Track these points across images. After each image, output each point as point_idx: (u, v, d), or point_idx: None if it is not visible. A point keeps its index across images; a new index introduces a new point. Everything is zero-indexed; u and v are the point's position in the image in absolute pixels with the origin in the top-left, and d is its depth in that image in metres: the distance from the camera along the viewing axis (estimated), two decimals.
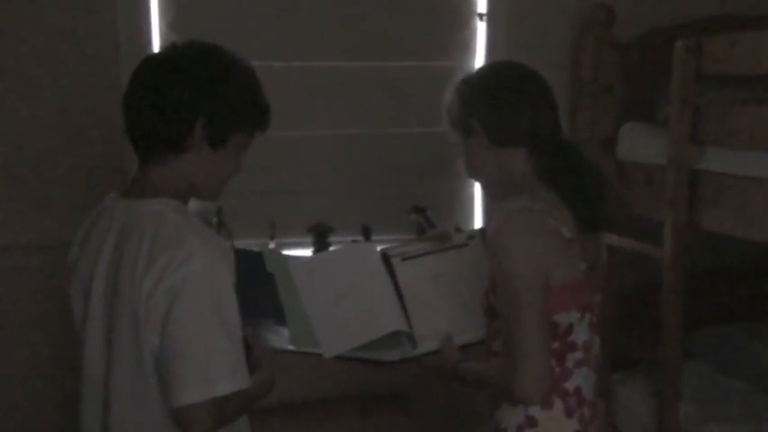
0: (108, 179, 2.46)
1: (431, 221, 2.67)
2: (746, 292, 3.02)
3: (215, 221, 2.52)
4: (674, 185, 2.31)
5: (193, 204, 1.57)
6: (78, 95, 2.54)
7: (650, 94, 2.70)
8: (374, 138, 2.88)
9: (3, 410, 2.63)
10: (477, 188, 2.90)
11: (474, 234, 2.02)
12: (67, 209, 2.51)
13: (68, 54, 2.52)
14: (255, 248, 2.04)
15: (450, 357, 1.78)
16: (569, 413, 1.62)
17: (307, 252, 2.66)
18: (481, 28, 2.89)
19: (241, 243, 2.35)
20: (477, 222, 2.96)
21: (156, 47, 2.61)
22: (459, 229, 2.07)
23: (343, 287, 1.93)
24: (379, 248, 2.06)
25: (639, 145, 2.59)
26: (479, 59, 2.89)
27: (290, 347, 1.77)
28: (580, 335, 1.62)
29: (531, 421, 1.61)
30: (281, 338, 1.77)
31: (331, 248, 2.66)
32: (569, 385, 1.62)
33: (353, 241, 2.63)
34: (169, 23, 2.63)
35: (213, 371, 1.36)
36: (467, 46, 2.90)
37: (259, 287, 1.84)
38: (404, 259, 1.99)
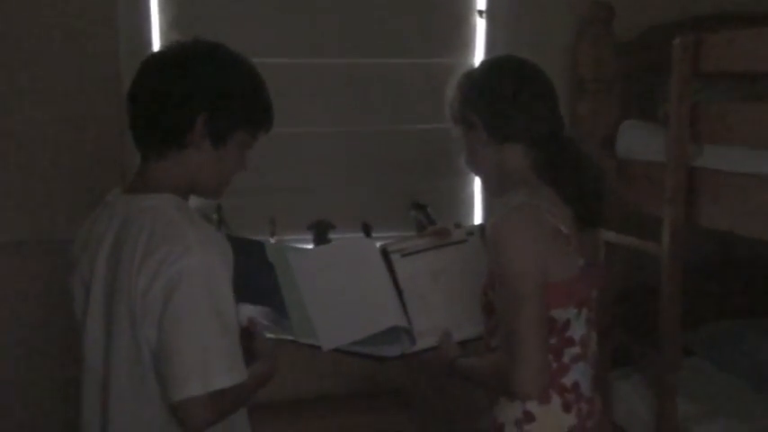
0: (108, 176, 2.47)
1: (431, 218, 2.68)
2: (746, 289, 3.02)
3: (215, 218, 2.53)
4: (673, 183, 2.31)
5: (193, 201, 1.57)
6: (78, 93, 2.55)
7: (649, 92, 2.71)
8: (374, 134, 2.89)
9: (3, 408, 2.64)
10: (478, 185, 2.91)
11: (473, 230, 2.03)
12: (68, 206, 2.51)
13: (68, 52, 2.52)
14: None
15: (449, 353, 1.79)
16: (567, 408, 1.63)
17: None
18: (481, 25, 2.90)
19: None
20: (478, 219, 2.97)
21: (156, 45, 2.61)
22: (458, 226, 2.08)
23: (342, 281, 1.94)
24: (378, 244, 2.07)
25: (638, 142, 2.59)
26: (479, 56, 2.90)
27: (290, 338, 1.78)
28: (577, 330, 1.63)
29: (529, 416, 1.63)
30: (281, 328, 1.78)
31: (331, 242, 2.66)
32: (567, 380, 1.63)
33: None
34: (169, 21, 2.63)
35: (210, 365, 1.37)
36: (467, 43, 2.90)
37: (260, 276, 1.85)
38: (403, 255, 2.00)
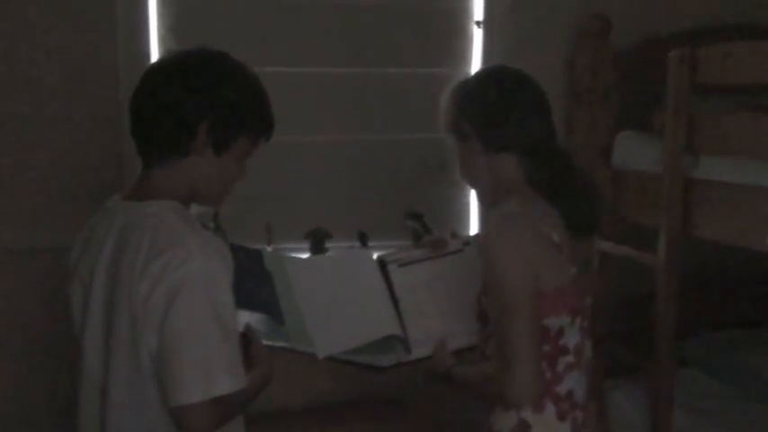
0: (108, 183, 2.48)
1: (427, 227, 2.69)
2: (741, 300, 3.03)
3: (212, 226, 2.53)
4: (669, 193, 2.32)
5: (191, 209, 1.58)
6: (78, 100, 2.55)
7: (645, 103, 2.72)
8: (372, 143, 2.90)
9: (1, 413, 2.63)
10: (474, 194, 2.91)
11: (469, 240, 2.04)
12: (66, 213, 2.51)
13: (68, 58, 2.53)
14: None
15: (444, 362, 1.80)
16: (561, 417, 1.64)
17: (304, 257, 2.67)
18: (478, 36, 2.91)
19: None
20: (473, 228, 2.97)
21: (154, 51, 2.62)
22: (454, 235, 2.09)
23: (338, 290, 1.95)
24: (375, 255, 2.08)
25: (635, 153, 2.60)
26: (476, 67, 2.91)
27: (286, 345, 1.78)
28: (571, 339, 1.64)
29: (524, 425, 1.63)
30: (277, 335, 1.78)
31: (327, 254, 2.67)
32: (561, 389, 1.63)
33: (350, 247, 2.65)
34: (168, 28, 2.64)
35: (211, 371, 1.37)
36: (464, 53, 2.92)
37: (258, 283, 1.85)
38: (400, 266, 2.01)
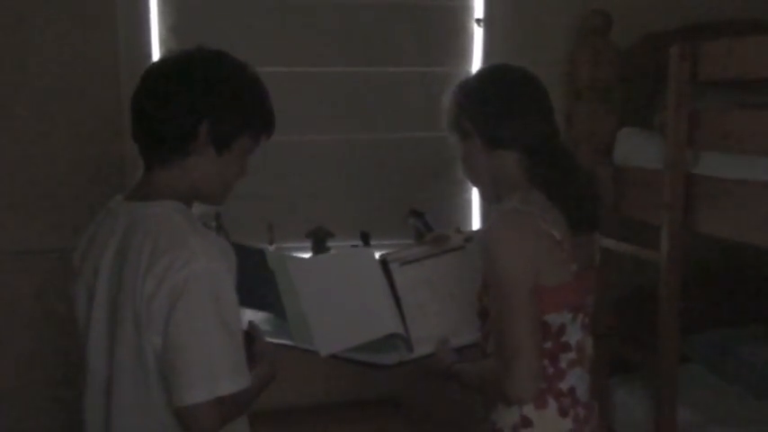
0: (109, 184, 2.48)
1: (429, 225, 2.69)
2: (743, 296, 3.03)
3: (214, 225, 2.53)
4: (671, 189, 2.32)
5: (193, 209, 1.58)
6: (79, 100, 2.56)
7: (647, 100, 2.72)
8: (373, 142, 2.90)
9: (5, 413, 2.63)
10: (475, 192, 2.91)
11: (471, 236, 2.04)
12: (69, 214, 2.52)
13: (69, 58, 2.53)
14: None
15: (445, 359, 1.80)
16: (563, 413, 1.64)
17: (306, 256, 2.67)
18: (479, 34, 2.91)
19: None
20: (475, 226, 2.97)
21: (155, 52, 2.62)
22: (459, 231, 2.09)
23: (340, 289, 1.95)
24: (377, 254, 2.08)
25: (636, 149, 2.60)
26: (477, 65, 2.91)
27: (290, 342, 1.79)
28: (573, 335, 1.64)
29: (527, 421, 1.63)
30: (281, 332, 1.79)
31: (329, 253, 2.67)
32: (563, 385, 1.64)
33: (352, 246, 2.65)
34: (169, 28, 2.64)
35: (216, 371, 1.37)
36: (464, 52, 2.91)
37: (261, 282, 1.86)
38: (401, 264, 2.02)
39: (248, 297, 1.65)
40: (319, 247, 2.70)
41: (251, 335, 1.64)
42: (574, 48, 2.82)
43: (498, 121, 1.65)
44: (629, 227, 2.61)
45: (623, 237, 2.60)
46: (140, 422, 1.46)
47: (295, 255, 2.26)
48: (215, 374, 1.37)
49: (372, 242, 2.72)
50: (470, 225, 2.97)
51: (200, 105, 1.46)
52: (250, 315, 1.74)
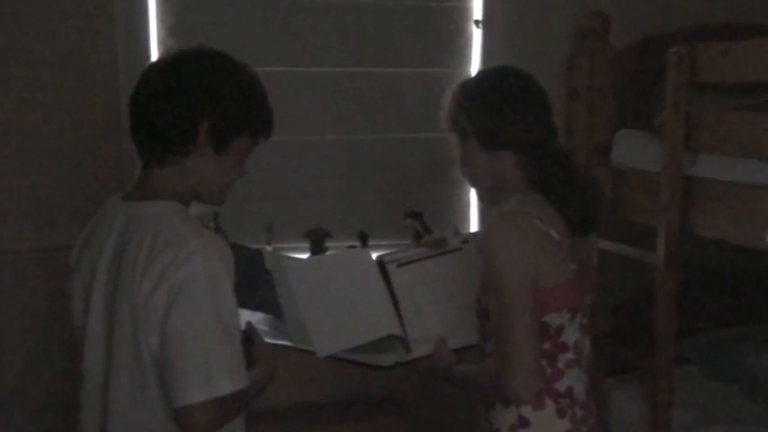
0: (108, 184, 2.48)
1: (427, 226, 2.69)
2: (740, 298, 3.03)
3: (212, 226, 2.53)
4: (668, 192, 2.33)
5: (191, 209, 1.58)
6: (77, 100, 2.55)
7: (644, 102, 2.73)
8: (371, 143, 2.90)
9: (2, 414, 2.64)
10: (473, 193, 2.91)
11: (468, 238, 2.04)
12: (68, 213, 2.52)
13: (68, 59, 2.53)
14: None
15: (444, 360, 1.81)
16: (561, 413, 1.64)
17: (304, 256, 2.67)
18: (477, 35, 2.92)
19: None
20: (474, 227, 2.97)
21: (154, 52, 2.62)
22: (457, 232, 2.10)
23: (338, 290, 1.96)
24: (374, 255, 2.08)
25: (634, 151, 2.60)
26: (476, 66, 2.91)
27: (288, 343, 1.79)
28: (571, 336, 1.65)
29: (524, 421, 1.64)
30: (279, 333, 1.79)
31: (327, 253, 2.67)
32: (561, 386, 1.64)
33: (350, 247, 2.65)
34: (168, 29, 2.64)
35: (213, 371, 1.37)
36: (463, 53, 2.92)
37: (259, 282, 1.86)
38: (399, 265, 2.02)
39: (246, 297, 1.66)
40: (317, 248, 2.71)
41: (249, 335, 1.65)
42: (572, 49, 2.82)
43: (497, 122, 1.66)
44: (627, 228, 2.62)
45: (620, 238, 2.61)
46: (137, 422, 1.46)
47: (293, 255, 2.26)
48: (212, 375, 1.37)
49: (370, 243, 2.72)
50: (468, 226, 2.97)
51: (200, 106, 1.46)
52: (248, 315, 1.75)
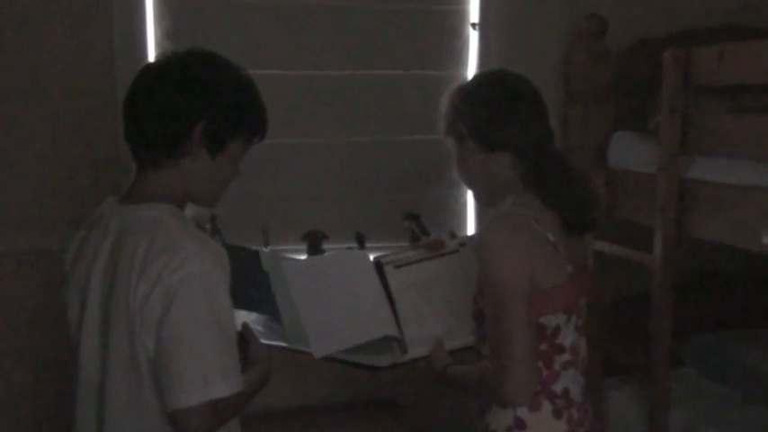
0: (104, 187, 2.48)
1: (424, 228, 2.69)
2: (736, 299, 3.04)
3: (209, 228, 2.53)
4: (664, 193, 2.33)
5: (187, 211, 1.58)
6: (75, 103, 2.56)
7: (641, 104, 2.73)
8: (368, 145, 2.90)
9: (6, 414, 2.64)
10: (471, 196, 2.92)
11: (466, 240, 2.05)
12: (63, 216, 2.51)
13: (65, 61, 2.54)
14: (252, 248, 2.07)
15: (440, 361, 1.81)
16: (557, 415, 1.65)
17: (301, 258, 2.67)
18: (474, 37, 2.92)
19: None
20: (471, 229, 2.98)
21: (151, 55, 2.62)
22: (453, 235, 2.10)
23: (335, 291, 1.96)
24: (372, 257, 2.09)
25: (630, 153, 2.61)
26: (472, 69, 2.92)
27: (284, 344, 1.80)
28: (567, 337, 1.65)
29: (520, 423, 1.64)
30: (275, 334, 1.79)
31: (324, 254, 2.67)
32: (557, 387, 1.65)
33: (348, 248, 2.65)
34: (165, 32, 2.64)
35: (208, 374, 1.37)
36: (460, 55, 2.92)
37: (255, 283, 1.86)
38: (396, 267, 2.03)
39: (243, 298, 1.66)
40: (314, 250, 2.71)
41: (245, 336, 1.65)
42: (568, 52, 2.83)
43: (493, 124, 1.67)
44: (623, 230, 2.62)
45: (616, 239, 2.61)
46: (133, 424, 1.46)
47: (290, 256, 2.26)
48: (208, 378, 1.37)
49: (367, 244, 2.72)
50: (465, 228, 2.98)
51: (194, 108, 1.46)
52: (244, 316, 1.75)
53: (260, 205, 2.77)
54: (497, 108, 1.67)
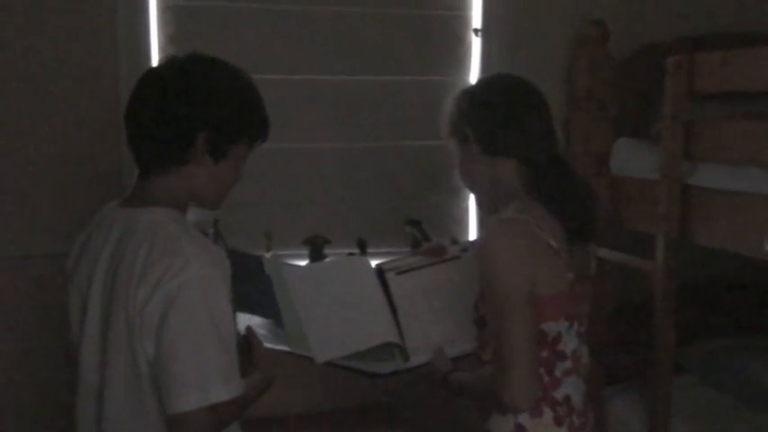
0: (105, 190, 2.48)
1: (425, 234, 2.69)
2: (739, 307, 3.03)
3: (211, 233, 2.53)
4: (667, 200, 2.33)
5: (190, 215, 1.58)
6: (77, 107, 2.56)
7: (643, 110, 2.73)
8: (370, 150, 2.90)
9: (6, 415, 2.63)
10: (472, 201, 2.92)
11: (467, 246, 2.04)
12: (65, 219, 2.51)
13: (68, 67, 2.54)
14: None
15: (441, 368, 1.81)
16: (559, 422, 1.64)
17: (302, 263, 2.67)
18: (476, 43, 2.92)
19: None
20: (472, 235, 2.97)
21: (155, 59, 2.63)
22: (454, 242, 2.10)
23: (336, 297, 1.96)
24: (374, 263, 2.08)
25: (632, 160, 2.61)
26: (474, 74, 2.92)
27: (286, 348, 1.79)
28: (569, 344, 1.64)
29: (521, 430, 1.64)
30: (278, 338, 1.79)
31: (326, 260, 2.67)
32: (558, 394, 1.64)
33: (349, 254, 2.65)
34: (168, 36, 2.65)
35: (207, 379, 1.37)
36: (462, 61, 2.92)
37: (257, 288, 1.86)
38: (398, 273, 2.02)
39: (245, 303, 1.66)
40: (316, 255, 2.71)
41: (248, 340, 1.64)
42: (571, 58, 2.83)
43: (498, 129, 1.66)
44: (625, 236, 2.62)
45: (618, 246, 2.61)
46: (133, 428, 1.46)
47: (292, 262, 2.26)
48: (207, 382, 1.37)
49: (369, 250, 2.72)
50: (467, 234, 2.97)
51: (198, 115, 1.46)
52: (247, 320, 1.75)
53: (262, 210, 2.77)
54: (505, 114, 1.67)
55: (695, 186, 2.31)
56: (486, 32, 2.90)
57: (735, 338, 2.95)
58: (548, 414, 1.63)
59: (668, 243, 2.34)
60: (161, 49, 2.65)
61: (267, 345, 1.70)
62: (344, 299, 1.96)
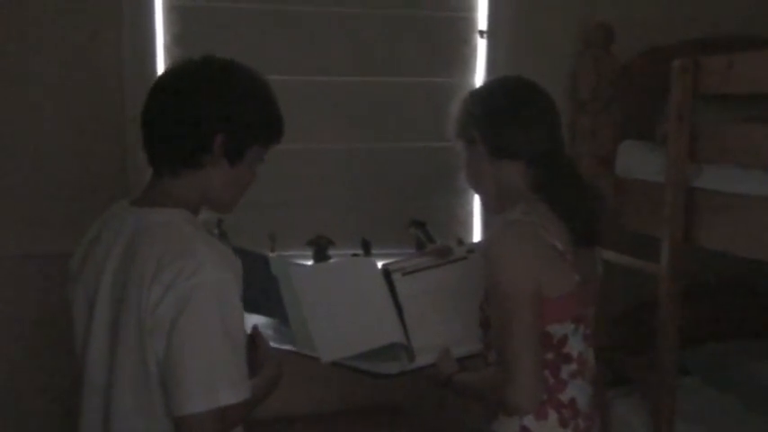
0: (112, 190, 2.48)
1: (430, 235, 2.69)
2: (743, 309, 3.03)
3: (216, 233, 2.54)
4: (672, 202, 2.33)
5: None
6: (83, 108, 2.56)
7: (648, 113, 2.73)
8: (375, 152, 2.90)
9: (6, 416, 2.63)
10: (477, 202, 2.92)
11: (473, 247, 2.05)
12: (71, 219, 2.51)
13: (73, 66, 2.54)
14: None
15: (447, 369, 1.81)
16: (564, 424, 1.64)
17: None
18: (482, 45, 2.92)
19: None
20: (477, 237, 2.97)
21: (160, 59, 2.63)
22: (461, 242, 2.10)
23: (343, 297, 1.96)
24: (380, 264, 2.08)
25: (637, 162, 2.61)
26: (480, 76, 2.92)
27: (292, 348, 1.79)
28: (575, 346, 1.64)
29: (526, 431, 1.63)
30: (284, 338, 1.79)
31: (332, 260, 2.67)
32: (564, 397, 1.64)
33: (353, 255, 2.66)
34: (174, 36, 2.65)
35: (216, 381, 1.37)
36: (467, 63, 2.92)
37: (264, 287, 1.86)
38: (404, 274, 2.02)
39: (251, 302, 1.66)
40: (320, 256, 2.71)
41: (255, 340, 1.64)
42: (576, 60, 2.83)
43: (504, 130, 1.67)
44: (630, 239, 2.62)
45: (623, 249, 2.60)
46: (140, 428, 1.45)
47: (297, 262, 2.26)
48: (215, 385, 1.37)
49: (373, 251, 2.72)
50: (472, 236, 2.97)
51: (215, 119, 1.46)
52: (254, 320, 1.75)
53: (266, 211, 2.77)
54: (512, 116, 1.67)
55: (700, 189, 2.30)
56: (491, 34, 2.90)
57: (739, 341, 2.94)
58: (553, 416, 1.63)
59: (673, 245, 2.34)
60: (166, 49, 2.65)
61: (273, 344, 1.70)
62: (351, 299, 1.96)
